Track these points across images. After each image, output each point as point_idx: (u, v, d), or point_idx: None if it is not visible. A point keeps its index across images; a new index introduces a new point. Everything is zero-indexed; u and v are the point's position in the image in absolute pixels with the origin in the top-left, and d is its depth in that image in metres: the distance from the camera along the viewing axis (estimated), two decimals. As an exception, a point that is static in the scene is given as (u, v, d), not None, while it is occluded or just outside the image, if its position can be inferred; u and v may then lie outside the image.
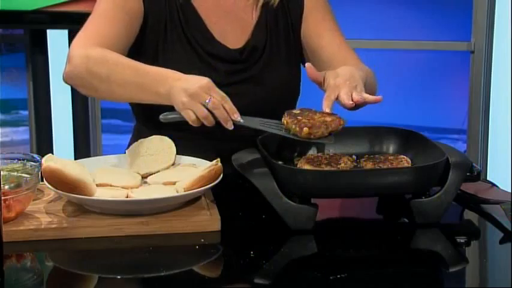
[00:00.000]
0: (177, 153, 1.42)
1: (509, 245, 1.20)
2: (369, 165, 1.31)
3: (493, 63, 2.98)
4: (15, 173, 1.26)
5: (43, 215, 1.23)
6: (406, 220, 1.28)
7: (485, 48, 2.95)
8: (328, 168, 1.29)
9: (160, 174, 1.37)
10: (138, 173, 1.37)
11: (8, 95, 3.17)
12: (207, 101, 1.33)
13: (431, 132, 3.27)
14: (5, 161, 1.30)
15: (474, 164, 1.31)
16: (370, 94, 1.45)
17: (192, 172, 1.32)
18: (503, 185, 1.46)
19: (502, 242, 1.22)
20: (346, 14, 3.36)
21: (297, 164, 1.35)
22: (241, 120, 1.33)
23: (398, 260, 1.16)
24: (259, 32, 1.63)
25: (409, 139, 1.41)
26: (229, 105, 1.35)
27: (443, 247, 1.22)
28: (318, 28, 1.67)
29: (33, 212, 1.23)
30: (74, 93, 2.92)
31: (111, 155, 1.44)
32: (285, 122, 1.29)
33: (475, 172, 1.30)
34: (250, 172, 1.25)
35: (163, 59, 1.57)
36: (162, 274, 1.07)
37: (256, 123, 1.34)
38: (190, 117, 1.34)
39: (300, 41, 1.68)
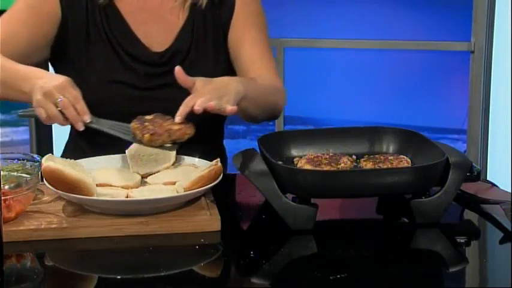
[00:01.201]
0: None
1: (509, 245, 1.20)
2: (369, 165, 1.31)
3: (493, 63, 2.98)
4: (15, 173, 1.26)
5: (43, 215, 1.23)
6: (406, 220, 1.28)
7: (485, 48, 2.95)
8: (328, 168, 1.29)
9: (160, 174, 1.37)
10: (138, 173, 1.37)
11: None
12: (58, 100, 1.36)
13: (431, 132, 3.28)
14: (5, 161, 1.30)
15: (474, 164, 1.31)
16: (262, 110, 1.52)
17: (192, 172, 1.32)
18: (503, 185, 1.46)
19: (502, 242, 1.22)
20: (346, 14, 3.36)
21: (297, 164, 1.35)
22: (90, 121, 1.37)
23: (398, 260, 1.16)
24: (184, 35, 1.61)
25: (409, 139, 1.41)
26: (80, 106, 1.38)
27: (443, 247, 1.22)
28: (242, 36, 1.63)
29: (33, 212, 1.23)
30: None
31: (111, 155, 1.44)
32: (131, 126, 1.28)
33: (475, 172, 1.30)
34: (250, 172, 1.25)
35: (86, 59, 1.57)
36: (162, 274, 1.07)
37: (105, 125, 1.38)
38: (41, 115, 1.37)
39: (227, 44, 1.65)
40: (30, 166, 1.28)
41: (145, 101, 1.56)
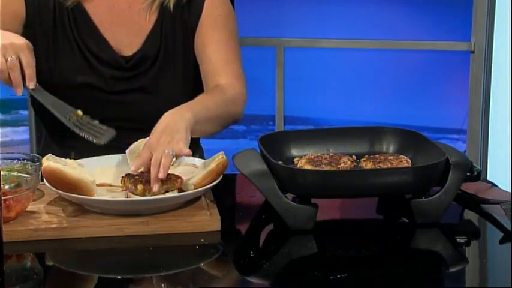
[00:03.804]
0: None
1: (509, 245, 1.20)
2: (369, 165, 1.31)
3: (493, 63, 2.98)
4: (15, 173, 1.26)
5: (43, 215, 1.23)
6: (406, 220, 1.28)
7: (485, 48, 2.95)
8: (328, 168, 1.29)
9: (160, 174, 1.36)
10: (138, 173, 1.36)
11: (8, 95, 3.17)
12: (9, 58, 1.35)
13: (431, 132, 3.27)
14: (5, 161, 1.30)
15: (474, 164, 1.31)
16: (216, 125, 1.50)
17: (193, 170, 1.32)
18: (503, 185, 1.46)
19: (502, 242, 1.22)
20: (346, 14, 3.36)
21: (297, 164, 1.35)
22: (34, 89, 1.38)
23: (399, 260, 1.16)
24: (153, 39, 1.59)
25: (409, 139, 1.41)
26: (29, 71, 1.38)
27: (443, 247, 1.22)
28: (206, 40, 1.59)
29: (33, 212, 1.23)
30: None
31: (111, 155, 1.44)
32: (122, 181, 1.28)
33: (475, 172, 1.30)
34: (250, 172, 1.25)
35: (54, 60, 1.56)
36: (162, 274, 1.07)
37: (49, 101, 1.39)
38: None
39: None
40: (30, 166, 1.28)
41: (112, 104, 1.55)
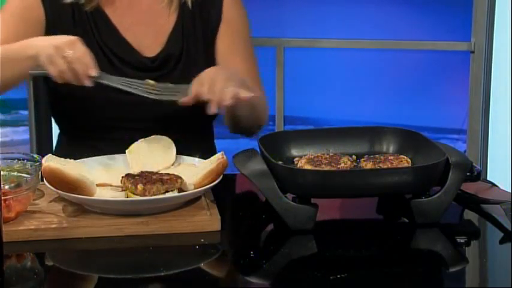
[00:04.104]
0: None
1: (509, 245, 1.20)
2: (369, 165, 1.31)
3: (493, 63, 2.98)
4: (15, 173, 1.26)
5: (43, 215, 1.23)
6: (406, 220, 1.28)
7: (485, 48, 2.95)
8: (328, 168, 1.29)
9: (160, 174, 1.37)
10: (138, 173, 1.36)
11: (8, 95, 3.17)
12: (68, 53, 1.35)
13: (431, 132, 3.27)
14: (5, 161, 1.30)
15: (474, 164, 1.31)
16: (251, 116, 1.54)
17: (195, 170, 1.32)
18: (503, 185, 1.46)
19: (502, 242, 1.22)
20: (346, 14, 3.36)
21: (297, 164, 1.35)
22: (98, 76, 1.37)
23: (398, 260, 1.16)
24: (175, 39, 1.60)
25: (409, 139, 1.41)
26: (88, 60, 1.37)
27: (443, 247, 1.22)
28: (229, 45, 1.63)
29: (33, 212, 1.23)
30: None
31: (111, 155, 1.44)
32: (122, 181, 1.28)
33: (475, 172, 1.30)
34: (250, 172, 1.25)
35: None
36: (162, 274, 1.07)
37: (116, 81, 1.38)
38: (53, 71, 1.36)
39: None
40: (30, 166, 1.28)
41: (137, 106, 1.55)
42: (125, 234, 1.19)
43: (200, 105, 1.39)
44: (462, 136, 3.19)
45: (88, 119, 1.59)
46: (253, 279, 1.08)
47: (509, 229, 1.23)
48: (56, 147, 1.74)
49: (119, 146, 1.41)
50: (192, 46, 1.60)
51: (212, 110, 1.33)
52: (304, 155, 1.38)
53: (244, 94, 1.35)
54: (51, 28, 1.56)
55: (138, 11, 1.60)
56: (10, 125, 3.29)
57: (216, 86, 1.34)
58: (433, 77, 3.38)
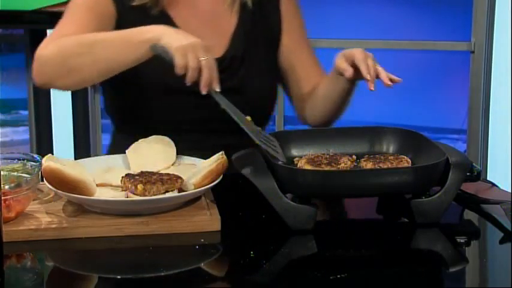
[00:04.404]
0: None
1: (509, 245, 1.20)
2: (369, 165, 1.31)
3: (493, 63, 2.98)
4: (15, 173, 1.26)
5: (43, 215, 1.23)
6: (406, 220, 1.28)
7: (485, 48, 2.95)
8: (328, 168, 1.29)
9: (160, 174, 1.37)
10: (138, 173, 1.36)
11: (8, 95, 3.17)
12: (204, 58, 1.34)
13: (431, 132, 3.28)
14: (5, 161, 1.30)
15: (474, 164, 1.31)
16: (338, 110, 1.58)
17: (195, 170, 1.32)
18: (503, 185, 1.46)
19: (502, 242, 1.22)
20: (346, 14, 3.36)
21: (297, 164, 1.35)
22: (218, 92, 1.36)
23: (398, 260, 1.16)
24: (238, 40, 1.60)
25: (409, 139, 1.41)
26: (216, 73, 1.36)
27: (443, 247, 1.22)
28: (300, 41, 1.66)
29: (33, 212, 1.23)
30: (74, 93, 2.92)
31: (111, 155, 1.44)
32: (122, 181, 1.28)
33: (475, 172, 1.30)
34: (250, 172, 1.25)
35: (143, 66, 1.56)
36: (162, 274, 1.07)
37: (225, 103, 1.36)
38: (182, 60, 1.33)
39: (278, 51, 1.66)
40: (30, 166, 1.28)
41: (200, 107, 1.53)
42: (125, 234, 1.19)
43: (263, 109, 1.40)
44: (462, 136, 3.20)
45: (149, 118, 1.59)
46: (253, 279, 1.08)
47: (509, 229, 1.23)
48: (110, 145, 1.73)
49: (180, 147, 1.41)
50: (253, 47, 1.61)
51: (371, 87, 1.41)
52: (304, 155, 1.38)
53: (396, 78, 1.43)
54: (122, 24, 1.55)
55: (201, 13, 1.61)
56: (10, 125, 3.30)
57: (370, 64, 1.43)
58: (433, 77, 3.38)
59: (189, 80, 1.35)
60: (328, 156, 1.34)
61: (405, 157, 1.34)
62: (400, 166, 1.30)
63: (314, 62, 1.68)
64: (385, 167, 1.29)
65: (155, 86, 1.55)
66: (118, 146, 1.63)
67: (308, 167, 1.30)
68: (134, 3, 1.56)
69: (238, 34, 1.61)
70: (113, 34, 1.48)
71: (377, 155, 1.36)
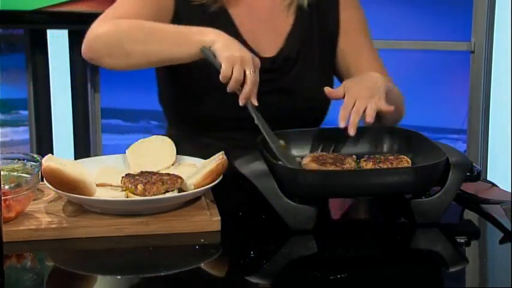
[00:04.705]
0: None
1: (509, 245, 1.20)
2: (369, 165, 1.31)
3: (493, 63, 2.98)
4: (16, 173, 1.26)
5: (43, 215, 1.23)
6: (406, 220, 1.28)
7: (485, 48, 2.95)
8: (333, 168, 1.29)
9: (160, 174, 1.37)
10: (138, 173, 1.36)
11: (8, 95, 3.17)
12: (251, 72, 1.35)
13: (431, 132, 3.27)
14: (5, 161, 1.30)
15: (474, 164, 1.31)
16: (395, 114, 1.49)
17: (194, 170, 1.32)
18: (503, 185, 1.46)
19: (502, 242, 1.22)
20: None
21: (301, 162, 1.35)
22: (253, 106, 1.36)
23: (398, 260, 1.16)
24: (292, 41, 1.60)
25: (409, 139, 1.41)
26: (255, 88, 1.37)
27: (443, 247, 1.22)
28: (356, 47, 1.64)
29: (33, 212, 1.23)
30: (74, 93, 2.92)
31: (111, 155, 1.44)
32: (122, 182, 1.28)
33: (475, 172, 1.30)
34: (250, 172, 1.25)
35: (196, 62, 1.56)
36: (162, 274, 1.07)
37: (260, 120, 1.37)
38: (227, 69, 1.35)
39: (335, 53, 1.65)
40: (31, 166, 1.28)
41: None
42: (125, 234, 1.19)
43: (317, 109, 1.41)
44: (462, 136, 3.19)
45: (197, 112, 1.59)
46: (253, 279, 1.08)
47: (509, 229, 1.23)
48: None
49: (233, 144, 1.43)
50: (308, 48, 1.61)
51: (351, 132, 1.34)
52: (305, 155, 1.38)
53: (386, 108, 1.37)
54: (178, 19, 1.56)
55: (258, 11, 1.61)
56: (10, 125, 3.29)
57: (360, 104, 1.35)
58: (433, 77, 3.38)
59: (229, 90, 1.37)
60: (332, 156, 1.34)
61: (405, 157, 1.34)
62: (400, 166, 1.30)
63: (373, 66, 1.64)
64: (385, 167, 1.29)
65: (204, 81, 1.55)
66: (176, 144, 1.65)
67: (313, 165, 1.30)
68: (195, 2, 1.57)
69: (294, 35, 1.61)
70: (171, 27, 1.49)
71: (377, 155, 1.36)
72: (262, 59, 1.55)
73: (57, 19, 2.70)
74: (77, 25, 2.69)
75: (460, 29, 3.08)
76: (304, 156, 1.37)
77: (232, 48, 1.37)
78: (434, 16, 3.28)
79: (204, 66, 1.44)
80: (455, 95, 3.31)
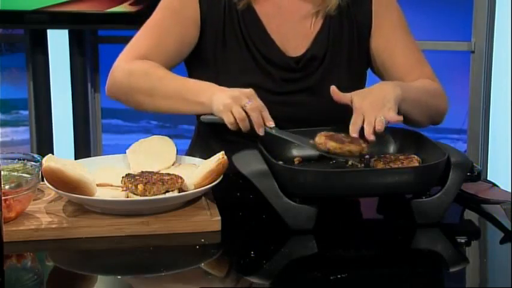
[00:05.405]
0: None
1: (509, 245, 1.20)
2: (379, 165, 1.31)
3: (493, 63, 2.98)
4: (16, 173, 1.26)
5: (43, 215, 1.23)
6: (406, 220, 1.27)
7: (485, 48, 2.95)
8: (351, 147, 1.29)
9: (160, 174, 1.36)
10: (138, 173, 1.36)
11: (8, 95, 3.17)
12: (247, 103, 1.37)
13: (431, 132, 3.27)
14: (5, 161, 1.30)
15: (475, 164, 1.31)
16: (424, 113, 1.50)
17: (193, 170, 1.32)
18: (503, 185, 1.46)
19: (502, 242, 1.22)
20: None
21: (315, 140, 1.34)
22: (273, 128, 1.38)
23: (398, 260, 1.16)
24: (320, 41, 1.60)
25: (410, 139, 1.41)
26: (266, 113, 1.39)
27: (443, 247, 1.22)
28: (390, 43, 1.62)
29: (33, 212, 1.23)
30: (74, 93, 2.92)
31: (111, 155, 1.44)
32: (122, 181, 1.28)
33: (475, 172, 1.30)
34: (250, 172, 1.25)
35: (222, 61, 1.57)
36: (163, 274, 1.07)
37: (287, 135, 1.38)
38: (229, 118, 1.38)
39: (367, 53, 1.64)
40: (31, 166, 1.28)
41: (277, 105, 1.51)
42: (125, 234, 1.19)
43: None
44: (462, 136, 3.19)
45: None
46: (253, 279, 1.08)
47: (509, 229, 1.23)
48: (193, 140, 1.74)
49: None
50: (336, 49, 1.60)
51: (370, 138, 1.33)
52: (305, 155, 1.38)
53: (395, 119, 1.36)
54: (203, 23, 1.58)
55: (286, 11, 1.61)
56: (10, 125, 3.29)
57: (370, 118, 1.35)
58: (433, 77, 3.38)
59: (244, 130, 1.38)
60: (344, 134, 1.33)
61: (415, 157, 1.33)
62: (410, 165, 1.29)
63: (411, 62, 1.62)
64: (396, 166, 1.29)
65: (231, 82, 1.52)
66: (201, 139, 1.67)
67: (332, 143, 1.30)
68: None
69: (321, 37, 1.60)
70: (172, 88, 1.51)
71: (387, 155, 1.36)
72: (288, 58, 1.58)
73: (57, 19, 2.70)
74: (77, 25, 2.70)
75: (460, 29, 3.07)
76: (321, 133, 1.35)
77: (224, 98, 1.40)
78: (434, 16, 3.28)
79: (240, 69, 1.47)
80: (455, 95, 3.31)
